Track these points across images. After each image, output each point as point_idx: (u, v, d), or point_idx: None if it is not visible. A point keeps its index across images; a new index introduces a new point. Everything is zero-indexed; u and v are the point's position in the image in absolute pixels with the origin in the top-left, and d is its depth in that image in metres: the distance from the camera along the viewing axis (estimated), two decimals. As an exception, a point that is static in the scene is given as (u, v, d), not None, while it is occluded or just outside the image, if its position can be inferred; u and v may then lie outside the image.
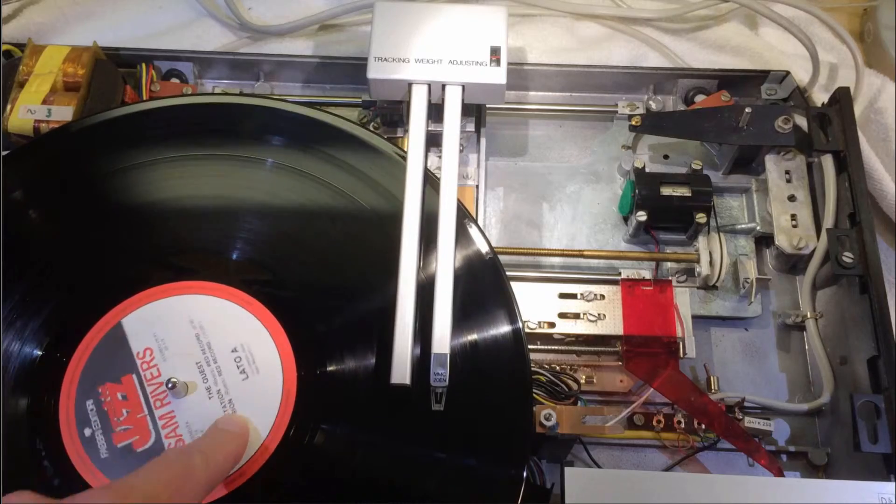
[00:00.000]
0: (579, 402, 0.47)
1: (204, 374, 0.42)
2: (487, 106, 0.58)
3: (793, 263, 0.55)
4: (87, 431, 0.41)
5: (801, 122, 0.54)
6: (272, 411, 0.41)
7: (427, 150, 0.49)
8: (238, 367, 0.42)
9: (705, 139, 0.57)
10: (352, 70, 0.61)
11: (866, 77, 0.62)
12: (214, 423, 0.39)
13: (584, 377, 0.50)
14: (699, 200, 0.53)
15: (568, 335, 0.51)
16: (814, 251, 0.52)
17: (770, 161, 0.55)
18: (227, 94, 0.61)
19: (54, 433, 0.41)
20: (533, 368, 0.46)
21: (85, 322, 0.43)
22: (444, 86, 0.51)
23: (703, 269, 0.52)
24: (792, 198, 0.54)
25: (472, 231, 0.47)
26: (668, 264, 0.55)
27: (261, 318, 0.43)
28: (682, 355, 0.49)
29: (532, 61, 0.63)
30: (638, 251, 0.55)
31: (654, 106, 0.61)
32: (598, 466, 0.49)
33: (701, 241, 0.53)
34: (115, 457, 0.40)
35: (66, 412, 0.41)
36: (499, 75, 0.51)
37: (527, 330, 0.49)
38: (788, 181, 0.54)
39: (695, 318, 0.51)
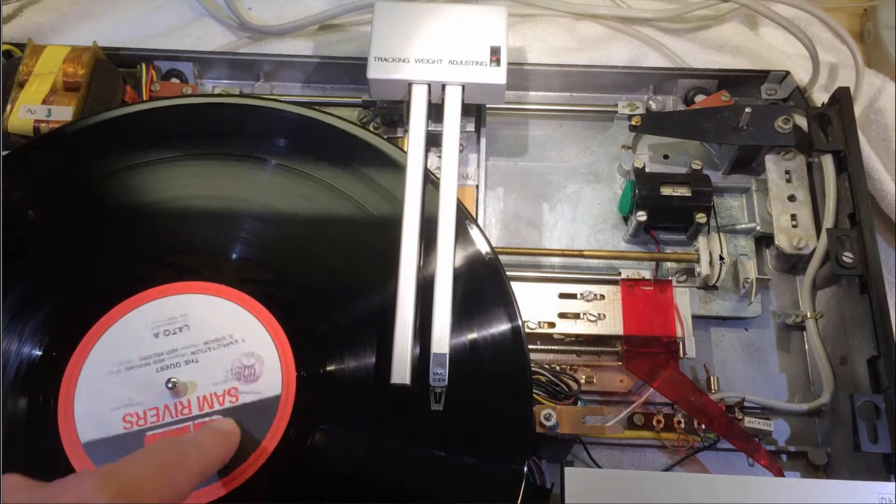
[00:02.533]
0: (579, 402, 0.47)
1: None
2: (487, 106, 0.58)
3: (793, 263, 0.55)
4: None
5: (801, 122, 0.54)
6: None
7: (427, 150, 0.49)
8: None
9: (705, 139, 0.57)
10: (352, 70, 0.61)
11: (866, 77, 0.62)
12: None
13: (584, 377, 0.50)
14: (699, 200, 0.53)
15: (568, 335, 0.51)
16: (814, 251, 0.52)
17: (770, 161, 0.55)
18: (227, 94, 0.61)
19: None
20: (533, 368, 0.46)
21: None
22: (444, 86, 0.51)
23: (703, 269, 0.52)
24: (792, 198, 0.54)
25: (473, 231, 0.47)
26: (668, 264, 0.55)
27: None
28: (682, 355, 0.49)
29: (532, 61, 0.63)
30: (638, 251, 0.55)
31: (654, 106, 0.61)
32: (598, 466, 0.49)
33: (701, 241, 0.53)
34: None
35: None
36: (499, 75, 0.51)
37: (527, 330, 0.48)
38: (788, 181, 0.54)
39: (695, 318, 0.51)
